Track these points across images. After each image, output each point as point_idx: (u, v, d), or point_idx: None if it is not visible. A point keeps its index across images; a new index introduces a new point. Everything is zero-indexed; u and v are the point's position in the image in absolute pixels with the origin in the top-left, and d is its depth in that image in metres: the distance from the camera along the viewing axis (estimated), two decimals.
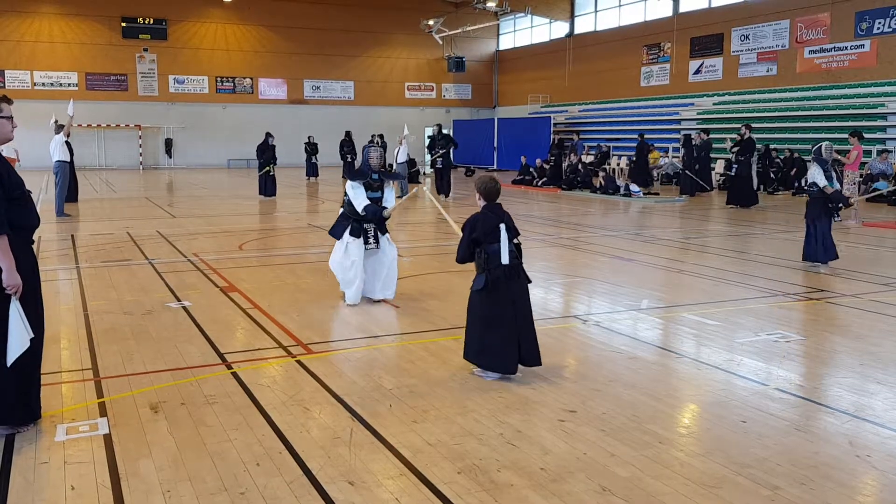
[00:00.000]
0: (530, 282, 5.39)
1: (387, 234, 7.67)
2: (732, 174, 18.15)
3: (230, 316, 7.15)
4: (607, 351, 5.99)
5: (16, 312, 4.10)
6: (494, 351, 5.16)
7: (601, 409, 4.67)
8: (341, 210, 7.67)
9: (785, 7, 27.02)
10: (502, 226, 5.25)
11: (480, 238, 5.27)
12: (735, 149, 18.32)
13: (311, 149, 28.44)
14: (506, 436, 4.27)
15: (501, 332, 5.12)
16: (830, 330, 6.69)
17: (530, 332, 5.23)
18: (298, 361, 5.68)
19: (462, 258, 5.39)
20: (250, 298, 7.81)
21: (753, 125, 25.48)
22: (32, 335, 4.17)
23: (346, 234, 7.42)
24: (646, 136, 25.89)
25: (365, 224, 7.41)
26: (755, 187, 18.64)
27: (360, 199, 7.29)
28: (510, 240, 5.25)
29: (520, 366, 5.29)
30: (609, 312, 7.34)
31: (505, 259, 5.17)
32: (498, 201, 5.44)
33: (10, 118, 4.36)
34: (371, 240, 7.45)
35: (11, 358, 4.10)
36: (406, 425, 4.42)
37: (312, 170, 28.26)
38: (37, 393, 4.43)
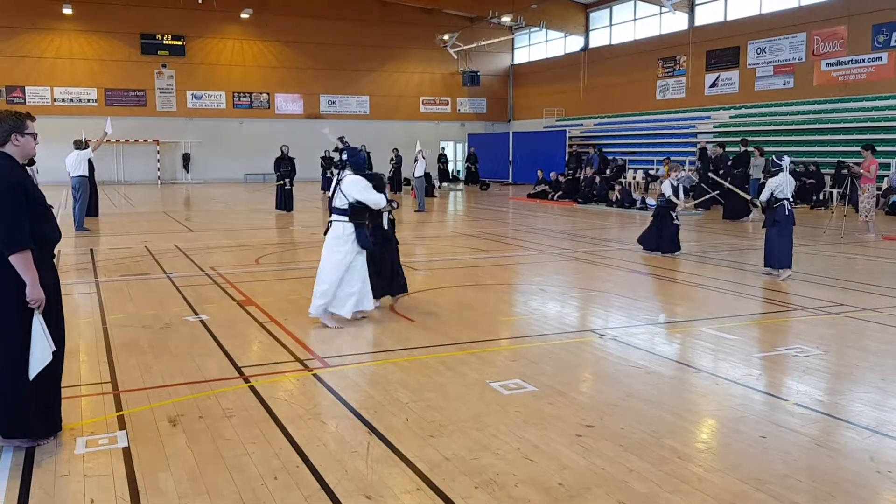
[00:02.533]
0: (398, 244, 7.97)
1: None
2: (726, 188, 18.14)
3: (247, 329, 7.18)
4: (625, 365, 5.96)
5: (38, 326, 4.15)
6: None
7: (619, 424, 4.64)
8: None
9: (801, 20, 26.96)
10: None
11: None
12: (730, 162, 18.32)
13: (327, 163, 28.58)
14: (523, 451, 4.25)
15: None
16: (850, 344, 6.62)
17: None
18: (315, 375, 5.70)
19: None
20: (267, 312, 7.84)
21: (771, 138, 25.51)
22: (55, 348, 4.22)
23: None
24: (603, 150, 28.58)
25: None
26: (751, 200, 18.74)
27: (378, 196, 7.18)
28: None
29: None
30: (626, 327, 7.31)
31: (385, 225, 7.75)
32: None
33: (35, 135, 4.43)
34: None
35: (34, 371, 4.14)
36: (423, 439, 4.41)
37: (328, 184, 28.38)
38: (57, 406, 4.47)
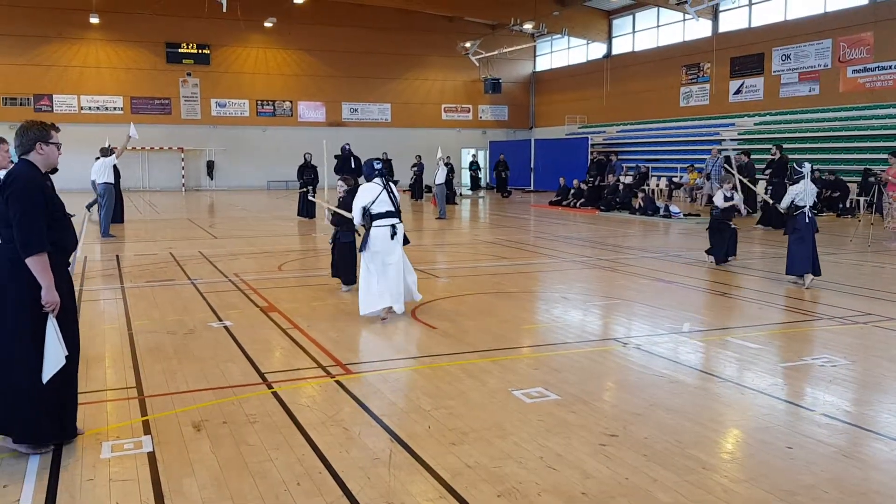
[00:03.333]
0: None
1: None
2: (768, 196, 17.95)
3: (270, 336, 7.22)
4: (648, 374, 5.92)
5: (52, 330, 4.17)
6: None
7: (643, 434, 4.60)
8: None
9: (827, 27, 26.69)
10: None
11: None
12: (767, 171, 18.13)
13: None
14: (546, 459, 4.23)
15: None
16: (878, 354, 6.52)
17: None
18: (337, 382, 5.71)
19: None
20: (290, 318, 7.88)
21: (796, 145, 25.27)
22: (67, 353, 4.24)
23: None
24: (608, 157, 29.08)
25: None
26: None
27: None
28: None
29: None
30: (649, 335, 7.26)
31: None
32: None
33: (59, 144, 4.52)
34: None
35: (47, 375, 4.16)
36: (445, 447, 4.41)
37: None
38: (72, 412, 4.47)
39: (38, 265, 4.14)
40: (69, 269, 4.51)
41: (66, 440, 4.41)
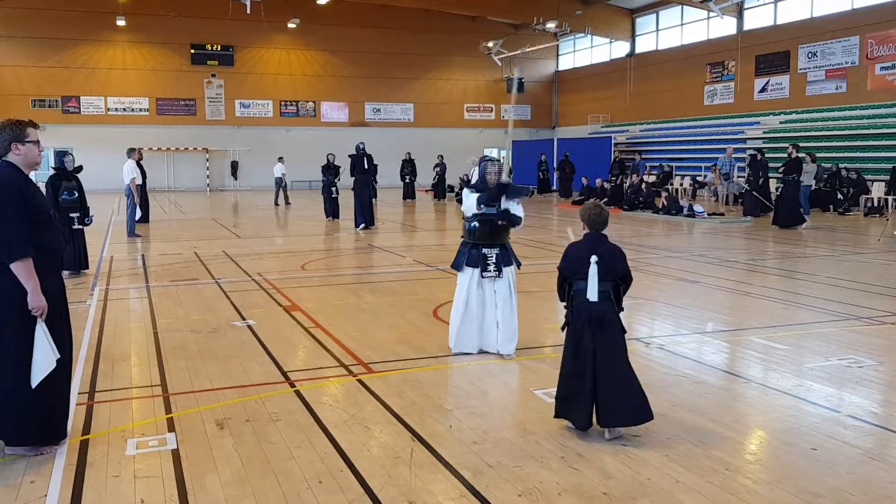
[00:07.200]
0: (625, 332, 4.74)
1: (511, 266, 6.41)
2: (778, 194, 17.80)
3: (293, 335, 7.27)
4: (671, 375, 5.88)
5: (41, 333, 4.14)
6: (566, 399, 4.61)
7: (665, 434, 4.58)
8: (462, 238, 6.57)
9: (854, 23, 26.35)
10: (594, 258, 4.60)
11: (567, 272, 4.82)
12: (781, 169, 17.93)
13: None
14: (567, 459, 4.22)
15: (576, 384, 4.54)
16: None
17: (614, 390, 4.47)
18: (359, 380, 5.73)
19: (559, 295, 4.95)
20: (312, 318, 7.92)
21: (823, 144, 24.96)
22: (58, 356, 4.20)
23: (464, 264, 6.36)
24: (569, 154, 30.20)
25: (483, 248, 6.29)
26: (807, 208, 18.41)
27: (469, 202, 6.30)
28: (603, 278, 4.59)
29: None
30: (672, 335, 7.21)
31: (591, 296, 4.57)
32: (604, 232, 4.84)
33: (37, 142, 4.39)
34: (491, 267, 6.29)
35: (36, 379, 4.13)
36: (466, 446, 4.41)
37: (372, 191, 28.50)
38: (64, 414, 4.42)
39: (22, 270, 4.07)
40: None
41: (57, 443, 4.36)
